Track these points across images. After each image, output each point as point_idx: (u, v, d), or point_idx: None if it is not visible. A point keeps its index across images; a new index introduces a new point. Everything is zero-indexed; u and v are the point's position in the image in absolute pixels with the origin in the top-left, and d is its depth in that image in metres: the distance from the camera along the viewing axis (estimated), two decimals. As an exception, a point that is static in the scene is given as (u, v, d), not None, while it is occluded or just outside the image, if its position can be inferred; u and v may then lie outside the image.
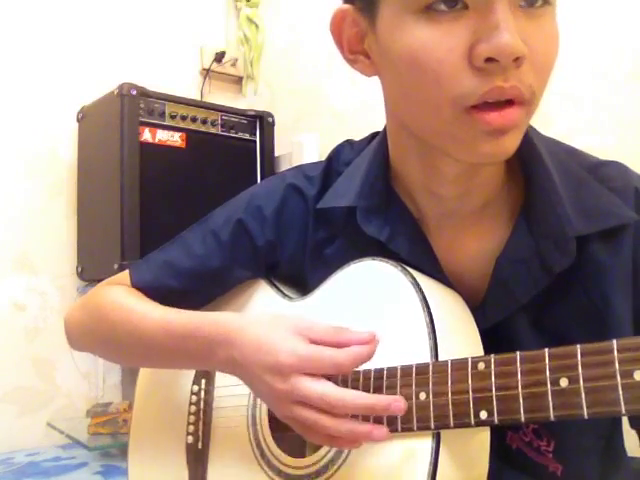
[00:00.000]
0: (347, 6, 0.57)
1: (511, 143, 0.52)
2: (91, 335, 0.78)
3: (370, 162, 0.66)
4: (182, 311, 0.69)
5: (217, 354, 0.62)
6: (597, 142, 1.27)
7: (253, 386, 0.60)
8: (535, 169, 0.60)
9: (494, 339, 0.58)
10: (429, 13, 0.49)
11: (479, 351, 0.57)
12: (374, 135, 0.71)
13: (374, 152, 0.67)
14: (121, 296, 0.74)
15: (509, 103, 0.50)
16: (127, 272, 0.78)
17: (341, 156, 0.73)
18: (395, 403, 0.53)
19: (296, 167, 0.77)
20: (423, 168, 0.61)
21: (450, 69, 0.49)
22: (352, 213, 0.65)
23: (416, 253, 0.62)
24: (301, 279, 0.72)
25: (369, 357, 0.56)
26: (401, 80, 0.54)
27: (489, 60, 0.47)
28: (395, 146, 0.64)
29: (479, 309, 0.61)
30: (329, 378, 0.57)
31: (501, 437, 0.62)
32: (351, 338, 0.56)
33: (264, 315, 0.65)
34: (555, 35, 0.52)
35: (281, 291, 0.74)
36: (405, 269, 0.60)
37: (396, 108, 0.61)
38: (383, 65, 0.57)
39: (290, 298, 0.73)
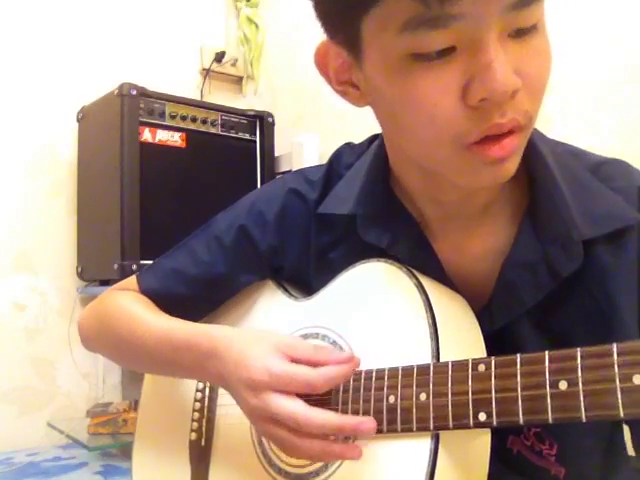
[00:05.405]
0: (328, 40, 0.56)
1: (512, 167, 0.52)
2: (100, 339, 0.80)
3: (369, 167, 0.66)
4: (183, 322, 0.69)
5: (208, 368, 0.63)
6: (597, 142, 1.27)
7: (236, 400, 0.61)
8: (539, 172, 0.59)
9: (498, 342, 0.58)
10: (417, 58, 0.47)
11: (482, 354, 0.57)
12: (374, 137, 0.71)
13: (373, 156, 0.67)
14: (129, 303, 0.75)
15: (508, 132, 0.49)
16: (135, 279, 0.79)
17: (342, 159, 0.72)
18: (364, 424, 0.54)
19: (298, 171, 0.77)
20: (424, 178, 0.61)
21: (445, 110, 0.48)
22: (353, 219, 0.66)
23: (418, 257, 0.62)
24: (306, 282, 0.72)
25: (345, 378, 0.56)
26: (396, 119, 0.54)
27: (484, 99, 0.47)
28: (394, 157, 0.64)
29: (484, 312, 0.61)
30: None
31: (502, 441, 0.61)
32: (329, 358, 0.57)
33: (252, 331, 0.66)
34: (547, 53, 0.50)
35: (288, 291, 0.75)
36: (410, 271, 0.60)
37: (393, 139, 0.61)
38: (375, 102, 0.56)
39: (296, 298, 0.73)
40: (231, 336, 0.63)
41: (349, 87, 0.57)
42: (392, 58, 0.49)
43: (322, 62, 0.58)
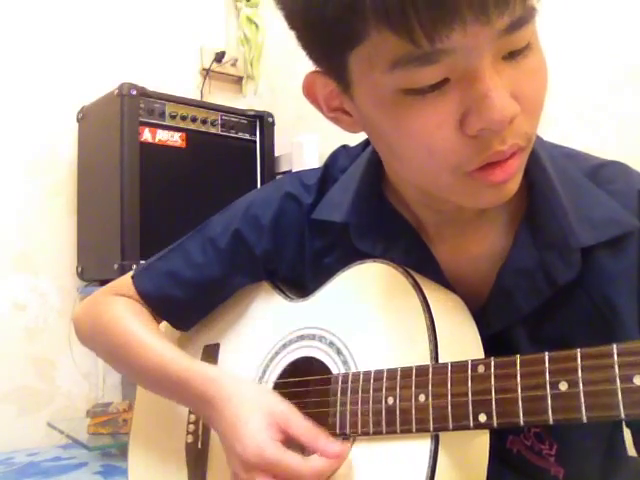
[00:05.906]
0: (315, 70, 0.55)
1: (514, 186, 0.52)
2: (93, 343, 0.81)
3: (363, 173, 0.66)
4: (178, 354, 0.69)
5: (202, 411, 0.66)
6: (597, 142, 1.27)
7: (225, 453, 0.63)
8: (537, 177, 0.59)
9: (495, 345, 0.57)
10: (409, 93, 0.46)
11: (480, 354, 0.56)
12: (369, 140, 0.71)
13: (367, 162, 0.66)
14: (123, 314, 0.75)
15: (509, 157, 0.49)
16: (129, 278, 0.78)
17: (337, 162, 0.72)
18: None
19: (294, 174, 0.76)
20: (420, 192, 0.60)
21: (443, 142, 0.47)
22: (346, 225, 0.65)
23: (414, 261, 0.62)
24: (302, 285, 0.72)
25: (333, 472, 0.57)
26: (392, 148, 0.52)
27: (483, 129, 0.46)
28: (390, 171, 0.63)
29: (481, 315, 0.60)
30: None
31: (502, 441, 0.61)
32: (322, 447, 0.57)
33: (248, 387, 0.65)
34: (543, 71, 0.49)
35: (284, 292, 0.74)
36: (407, 271, 0.60)
37: (390, 163, 0.60)
38: (370, 130, 0.56)
39: (292, 299, 0.73)
40: (228, 388, 0.63)
41: (341, 114, 0.56)
42: (383, 93, 0.48)
43: (311, 92, 0.57)
